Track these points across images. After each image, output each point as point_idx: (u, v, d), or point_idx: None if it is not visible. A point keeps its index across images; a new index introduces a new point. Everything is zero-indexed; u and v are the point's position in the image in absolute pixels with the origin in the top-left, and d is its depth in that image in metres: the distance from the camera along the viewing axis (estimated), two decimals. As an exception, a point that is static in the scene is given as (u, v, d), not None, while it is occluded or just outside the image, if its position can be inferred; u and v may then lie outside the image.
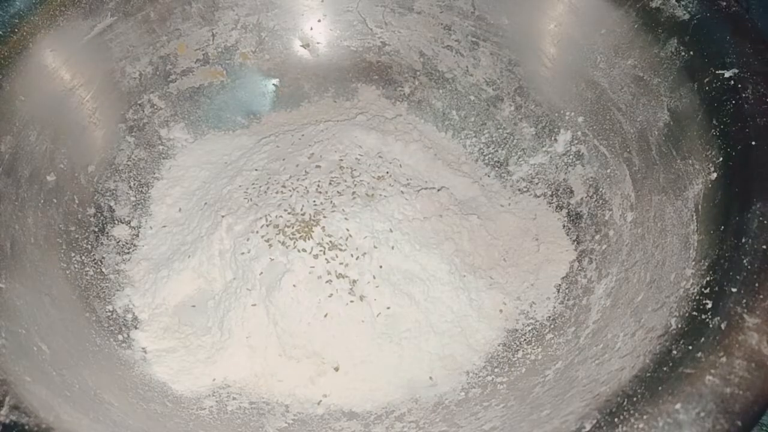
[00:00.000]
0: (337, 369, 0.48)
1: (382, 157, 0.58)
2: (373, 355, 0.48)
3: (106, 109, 0.57)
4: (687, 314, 0.37)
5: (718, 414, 0.31)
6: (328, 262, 0.50)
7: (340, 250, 0.50)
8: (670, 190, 0.45)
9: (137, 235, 0.57)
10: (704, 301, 0.36)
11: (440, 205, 0.54)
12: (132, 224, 0.57)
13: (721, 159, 0.41)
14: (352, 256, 0.50)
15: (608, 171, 0.52)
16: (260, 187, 0.56)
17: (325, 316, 0.48)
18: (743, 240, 0.36)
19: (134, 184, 0.59)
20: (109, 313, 0.51)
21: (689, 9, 0.47)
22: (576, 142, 0.55)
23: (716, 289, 0.36)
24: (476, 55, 0.60)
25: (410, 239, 0.51)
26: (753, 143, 0.40)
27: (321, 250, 0.50)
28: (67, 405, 0.38)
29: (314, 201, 0.53)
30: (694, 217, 0.42)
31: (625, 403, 0.33)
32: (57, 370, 0.41)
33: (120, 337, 0.50)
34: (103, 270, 0.53)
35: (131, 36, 0.58)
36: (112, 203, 0.57)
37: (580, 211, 0.54)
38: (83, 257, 0.52)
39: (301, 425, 0.46)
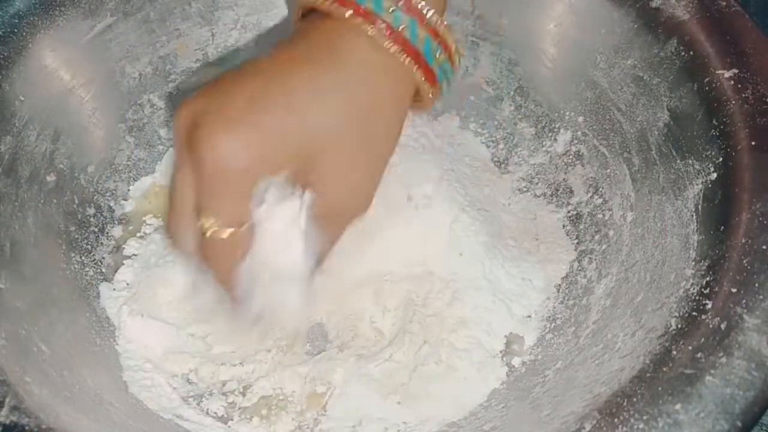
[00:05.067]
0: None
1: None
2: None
3: (106, 109, 0.57)
4: (687, 314, 0.37)
5: (718, 414, 0.31)
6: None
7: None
8: (670, 190, 0.45)
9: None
10: (704, 302, 0.36)
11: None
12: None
13: (721, 159, 0.41)
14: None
15: (608, 171, 0.52)
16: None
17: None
18: (743, 240, 0.37)
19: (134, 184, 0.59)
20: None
21: (689, 9, 0.47)
22: (576, 142, 0.55)
23: (716, 289, 0.36)
24: (476, 55, 0.60)
25: (410, 239, 0.51)
26: (753, 143, 0.40)
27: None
28: (67, 405, 0.38)
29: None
30: (694, 217, 0.42)
31: (625, 403, 0.33)
32: (57, 370, 0.41)
33: (120, 337, 0.50)
34: (103, 270, 0.53)
35: (131, 36, 0.58)
36: (112, 203, 0.57)
37: (580, 211, 0.54)
38: (83, 257, 0.52)
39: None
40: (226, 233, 0.34)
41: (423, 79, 0.35)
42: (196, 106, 0.34)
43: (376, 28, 0.33)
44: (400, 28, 0.33)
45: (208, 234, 0.34)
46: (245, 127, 0.32)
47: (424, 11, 0.34)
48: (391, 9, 0.33)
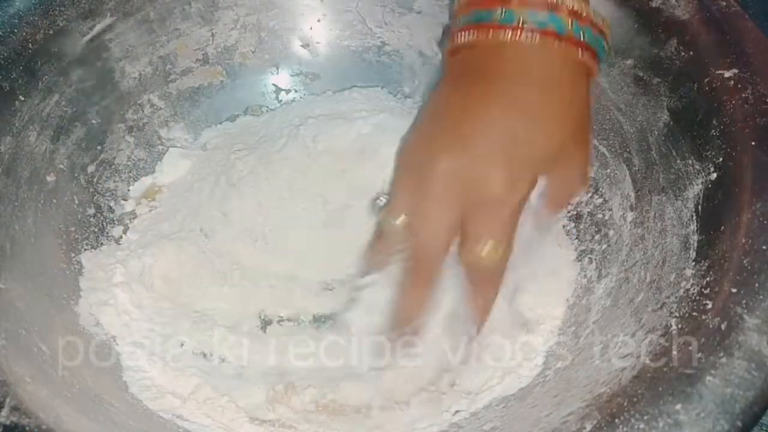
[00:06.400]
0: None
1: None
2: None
3: (106, 109, 0.57)
4: (687, 314, 0.37)
5: (718, 414, 0.31)
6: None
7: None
8: (670, 190, 0.45)
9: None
10: (704, 302, 0.36)
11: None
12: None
13: (721, 159, 0.41)
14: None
15: (608, 171, 0.52)
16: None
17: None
18: (743, 240, 0.37)
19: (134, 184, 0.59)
20: (110, 314, 0.51)
21: (689, 9, 0.47)
22: (576, 141, 0.55)
23: (716, 289, 0.36)
24: (476, 55, 0.60)
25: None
26: (753, 143, 0.40)
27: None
28: (67, 405, 0.38)
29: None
30: (694, 217, 0.42)
31: (625, 403, 0.33)
32: (57, 370, 0.41)
33: (120, 337, 0.50)
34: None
35: (131, 36, 0.58)
36: (112, 203, 0.57)
37: (580, 211, 0.54)
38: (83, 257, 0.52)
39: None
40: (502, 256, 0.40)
41: (583, 55, 0.41)
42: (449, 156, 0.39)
43: (527, 33, 0.39)
44: (547, 26, 0.39)
45: (485, 256, 0.40)
46: (511, 166, 0.39)
47: (560, 2, 0.39)
48: (537, 14, 0.39)
